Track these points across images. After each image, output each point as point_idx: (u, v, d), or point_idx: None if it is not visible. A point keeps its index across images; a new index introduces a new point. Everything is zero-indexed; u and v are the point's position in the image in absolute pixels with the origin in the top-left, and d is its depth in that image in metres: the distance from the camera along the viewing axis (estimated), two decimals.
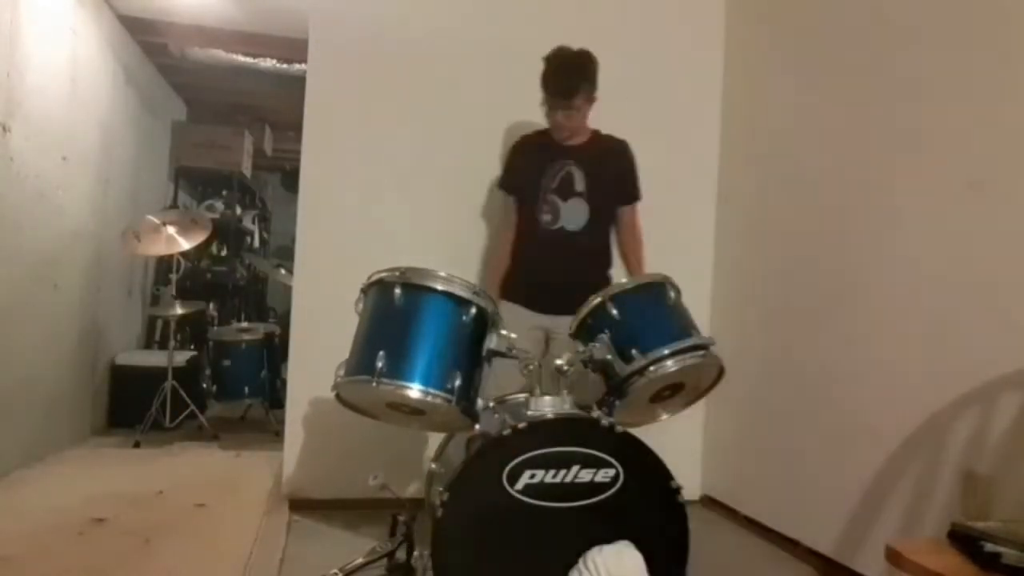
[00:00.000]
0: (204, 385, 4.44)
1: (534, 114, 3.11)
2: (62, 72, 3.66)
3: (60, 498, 2.89)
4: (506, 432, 1.71)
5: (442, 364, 1.76)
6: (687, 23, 3.32)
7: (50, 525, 2.55)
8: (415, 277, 1.81)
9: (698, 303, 2.87)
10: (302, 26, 3.08)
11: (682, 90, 3.29)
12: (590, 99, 2.49)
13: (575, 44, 3.16)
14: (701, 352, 1.90)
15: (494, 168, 2.95)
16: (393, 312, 1.80)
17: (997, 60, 1.92)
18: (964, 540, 1.22)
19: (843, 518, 2.31)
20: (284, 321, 4.08)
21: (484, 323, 1.86)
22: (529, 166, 2.61)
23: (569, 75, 2.44)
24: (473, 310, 1.82)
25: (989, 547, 1.17)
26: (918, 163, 2.16)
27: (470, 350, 1.83)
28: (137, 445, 3.90)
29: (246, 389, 4.44)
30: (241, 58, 5.05)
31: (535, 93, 3.13)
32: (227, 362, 4.43)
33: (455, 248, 2.96)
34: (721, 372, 1.98)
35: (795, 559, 2.53)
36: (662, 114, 3.24)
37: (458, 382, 1.75)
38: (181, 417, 4.15)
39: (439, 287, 1.81)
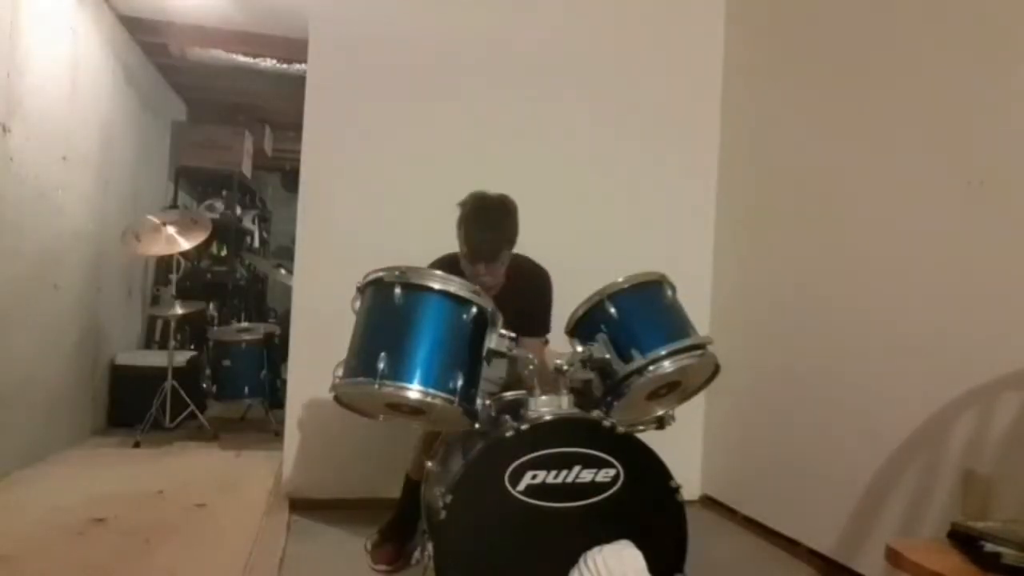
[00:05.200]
0: (204, 385, 4.44)
1: (533, 113, 3.14)
2: (62, 72, 3.66)
3: (60, 498, 2.88)
4: (509, 434, 1.71)
5: (443, 364, 1.76)
6: (687, 23, 3.32)
7: (50, 525, 2.54)
8: (415, 277, 1.81)
9: (698, 303, 2.87)
10: (302, 26, 3.09)
11: (682, 90, 3.28)
12: (511, 249, 2.27)
13: (575, 44, 3.19)
14: (699, 352, 1.91)
15: (494, 167, 2.94)
16: (393, 312, 1.79)
17: (997, 60, 1.92)
18: (964, 540, 1.22)
19: (843, 518, 2.31)
20: (284, 321, 4.08)
21: (484, 322, 1.85)
22: None
23: (493, 239, 2.19)
24: (473, 309, 1.82)
25: (989, 547, 1.17)
26: (918, 163, 2.16)
27: (470, 349, 1.82)
28: (137, 445, 3.90)
29: (246, 389, 4.43)
30: (241, 58, 5.05)
31: (534, 92, 3.15)
32: (227, 362, 4.42)
33: (454, 248, 2.95)
34: (716, 370, 1.99)
35: (795, 559, 2.53)
36: (662, 113, 3.24)
37: (459, 382, 1.74)
38: (181, 417, 4.15)
39: (439, 287, 1.80)
